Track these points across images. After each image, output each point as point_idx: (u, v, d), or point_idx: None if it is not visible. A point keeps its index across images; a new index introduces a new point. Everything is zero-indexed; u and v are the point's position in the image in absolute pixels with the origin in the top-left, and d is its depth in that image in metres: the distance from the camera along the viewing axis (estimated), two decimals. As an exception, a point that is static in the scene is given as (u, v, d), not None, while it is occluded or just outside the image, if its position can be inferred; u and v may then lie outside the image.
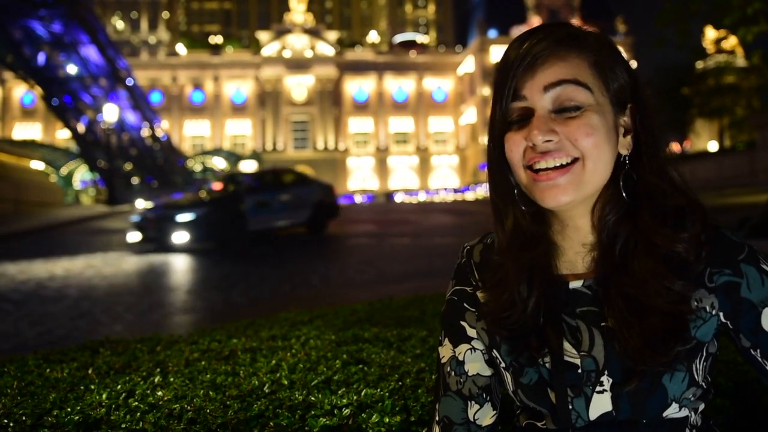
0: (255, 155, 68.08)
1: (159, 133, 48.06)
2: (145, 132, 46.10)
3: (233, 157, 63.02)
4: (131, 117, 44.63)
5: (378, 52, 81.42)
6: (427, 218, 28.27)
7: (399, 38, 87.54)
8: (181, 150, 61.66)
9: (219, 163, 62.69)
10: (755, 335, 0.90)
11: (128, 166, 44.18)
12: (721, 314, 0.91)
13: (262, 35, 78.11)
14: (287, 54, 76.25)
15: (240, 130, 76.98)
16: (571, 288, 0.96)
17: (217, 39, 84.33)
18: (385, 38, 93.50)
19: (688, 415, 0.91)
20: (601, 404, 0.90)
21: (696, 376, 0.91)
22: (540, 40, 0.89)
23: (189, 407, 1.31)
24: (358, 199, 67.26)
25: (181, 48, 79.88)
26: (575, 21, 75.74)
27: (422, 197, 65.81)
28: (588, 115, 0.88)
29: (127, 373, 1.64)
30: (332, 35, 79.89)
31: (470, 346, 1.04)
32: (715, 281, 0.91)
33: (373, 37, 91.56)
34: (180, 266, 12.04)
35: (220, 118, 75.80)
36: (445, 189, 70.38)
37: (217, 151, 65.38)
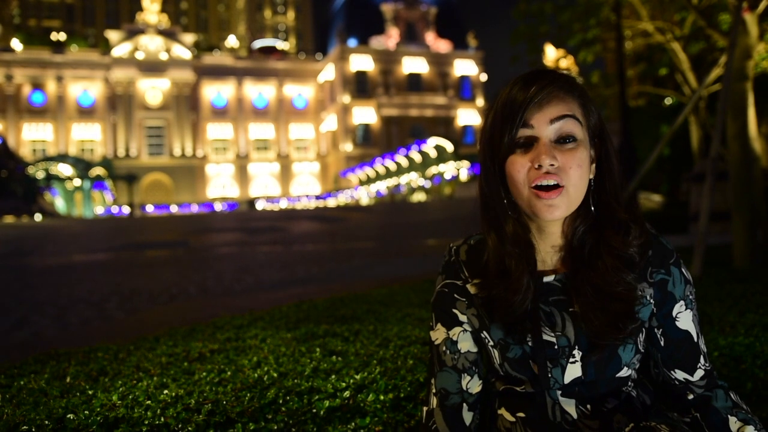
0: (105, 162, 63.84)
1: (-8, 137, 43.73)
2: (-25, 135, 41.73)
3: (81, 164, 58.52)
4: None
5: (237, 57, 79.70)
6: (294, 225, 28.24)
7: (258, 44, 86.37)
8: (20, 156, 56.39)
9: (65, 170, 57.97)
10: (665, 319, 1.24)
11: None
12: (653, 302, 1.24)
13: (112, 35, 73.49)
14: (140, 56, 72.41)
15: (88, 135, 71.76)
16: (544, 281, 1.23)
17: (59, 36, 77.96)
18: (244, 43, 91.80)
19: (630, 374, 1.23)
20: (573, 371, 1.19)
21: (639, 346, 1.23)
22: (547, 84, 1.15)
23: (205, 400, 1.43)
24: (219, 207, 65.34)
25: (16, 43, 72.96)
26: (430, 34, 79.29)
27: (284, 204, 65.39)
28: (580, 150, 1.16)
29: (117, 377, 1.69)
30: (189, 38, 77.04)
31: (462, 329, 1.28)
32: (654, 278, 1.23)
33: (231, 41, 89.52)
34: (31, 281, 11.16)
35: (65, 121, 70.17)
36: (307, 196, 70.41)
37: (62, 157, 60.30)
